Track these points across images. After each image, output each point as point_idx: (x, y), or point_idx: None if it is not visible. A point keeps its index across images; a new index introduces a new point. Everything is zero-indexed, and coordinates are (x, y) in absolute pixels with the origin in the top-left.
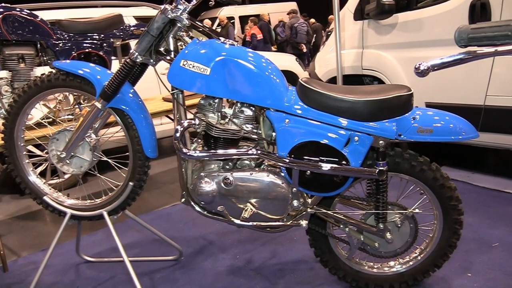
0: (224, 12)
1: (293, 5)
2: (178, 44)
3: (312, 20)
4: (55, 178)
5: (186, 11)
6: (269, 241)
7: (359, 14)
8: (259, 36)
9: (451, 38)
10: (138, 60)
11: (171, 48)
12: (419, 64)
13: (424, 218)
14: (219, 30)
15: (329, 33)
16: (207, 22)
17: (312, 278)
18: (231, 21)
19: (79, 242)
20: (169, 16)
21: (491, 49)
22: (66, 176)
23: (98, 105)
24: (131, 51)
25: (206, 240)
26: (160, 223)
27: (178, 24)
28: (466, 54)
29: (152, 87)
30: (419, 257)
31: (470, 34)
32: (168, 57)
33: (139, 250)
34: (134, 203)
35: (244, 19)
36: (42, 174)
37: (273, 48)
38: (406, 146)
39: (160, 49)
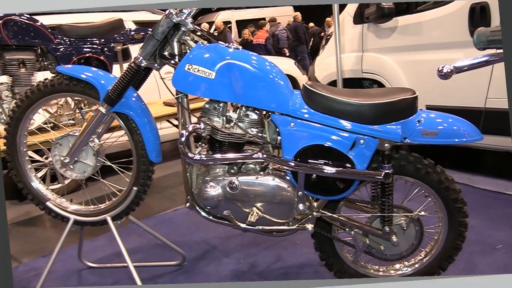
0: (221, 16)
1: (290, 9)
2: (183, 48)
3: (311, 24)
4: (55, 183)
5: (191, 15)
6: (272, 245)
7: (359, 18)
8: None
9: (451, 41)
10: (142, 64)
11: (176, 52)
12: (442, 67)
13: (428, 220)
14: (215, 34)
15: (328, 37)
16: (204, 26)
17: None
18: (228, 25)
19: (82, 247)
20: (174, 20)
21: None
22: (66, 182)
23: (102, 109)
24: (135, 56)
25: (209, 245)
26: (162, 228)
27: (183, 28)
28: (492, 56)
29: (152, 91)
30: (424, 260)
31: (489, 37)
32: (172, 61)
33: (141, 255)
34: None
35: (241, 24)
36: (42, 180)
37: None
38: (408, 148)
39: (164, 53)
